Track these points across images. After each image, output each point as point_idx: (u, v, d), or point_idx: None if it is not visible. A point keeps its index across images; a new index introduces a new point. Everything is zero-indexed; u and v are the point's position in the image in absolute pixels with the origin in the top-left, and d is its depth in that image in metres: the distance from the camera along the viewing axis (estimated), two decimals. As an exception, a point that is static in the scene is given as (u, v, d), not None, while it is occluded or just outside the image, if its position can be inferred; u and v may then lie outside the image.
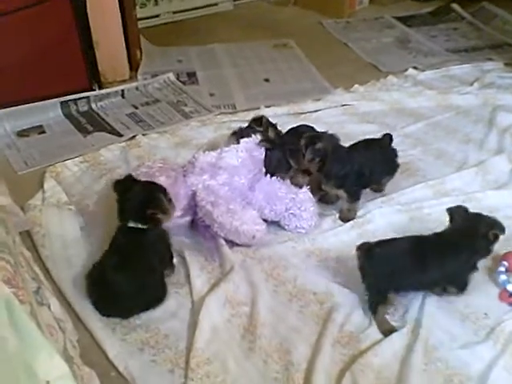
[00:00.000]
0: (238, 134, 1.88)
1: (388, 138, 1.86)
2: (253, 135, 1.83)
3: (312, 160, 1.73)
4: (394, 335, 1.40)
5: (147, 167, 1.74)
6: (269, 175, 1.78)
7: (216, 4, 3.60)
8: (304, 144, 1.72)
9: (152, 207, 1.45)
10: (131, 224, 1.45)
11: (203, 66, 2.89)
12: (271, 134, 1.88)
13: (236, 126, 2.28)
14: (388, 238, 1.53)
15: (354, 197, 1.79)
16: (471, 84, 2.66)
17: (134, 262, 1.44)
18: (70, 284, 1.54)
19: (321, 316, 1.47)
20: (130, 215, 1.45)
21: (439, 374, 1.33)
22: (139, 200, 1.46)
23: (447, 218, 1.50)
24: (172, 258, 1.58)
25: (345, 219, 1.80)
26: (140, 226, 1.44)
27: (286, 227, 1.77)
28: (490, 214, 1.80)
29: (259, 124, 1.90)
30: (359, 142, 1.88)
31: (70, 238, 1.70)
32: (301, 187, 1.77)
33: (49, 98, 2.40)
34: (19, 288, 0.90)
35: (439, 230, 1.52)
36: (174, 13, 3.46)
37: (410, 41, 3.24)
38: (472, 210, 1.82)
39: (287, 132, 1.95)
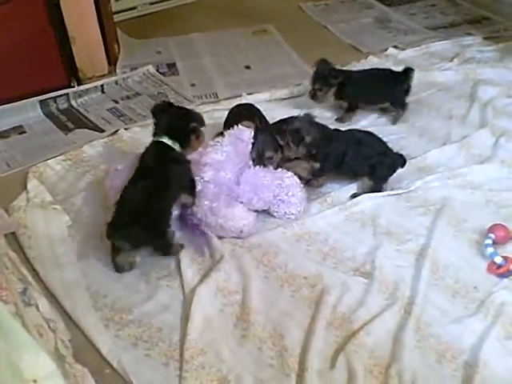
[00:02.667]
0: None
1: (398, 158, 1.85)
2: (235, 126, 1.81)
3: (307, 154, 1.77)
4: (386, 313, 1.41)
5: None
6: (253, 166, 1.77)
7: (192, -7, 3.56)
8: (292, 141, 1.75)
9: (194, 121, 1.58)
10: (164, 139, 1.55)
11: (183, 57, 2.86)
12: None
13: (219, 114, 2.28)
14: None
15: (322, 170, 1.83)
16: (451, 60, 2.67)
17: (153, 176, 1.51)
18: (59, 283, 1.52)
19: (312, 299, 1.47)
20: (166, 131, 1.56)
21: (432, 349, 1.34)
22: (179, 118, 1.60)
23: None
24: (194, 186, 1.61)
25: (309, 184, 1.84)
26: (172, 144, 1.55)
27: (276, 214, 1.76)
28: (476, 188, 1.84)
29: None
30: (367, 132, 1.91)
31: (57, 238, 1.68)
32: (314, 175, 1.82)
33: (27, 97, 2.36)
34: (3, 289, 0.89)
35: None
36: (151, 4, 3.42)
37: (389, 20, 3.22)
38: (458, 185, 1.86)
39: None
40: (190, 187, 1.61)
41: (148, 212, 1.48)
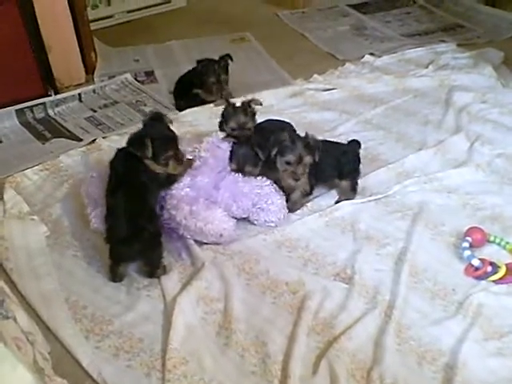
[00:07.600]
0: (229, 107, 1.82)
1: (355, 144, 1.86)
2: (214, 134, 1.81)
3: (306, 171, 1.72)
4: (367, 317, 1.42)
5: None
6: (233, 173, 1.76)
7: (169, 1, 3.57)
8: (294, 161, 1.68)
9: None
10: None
11: (161, 64, 2.86)
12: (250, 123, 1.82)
13: (198, 122, 2.29)
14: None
15: (310, 190, 1.81)
16: (426, 66, 2.72)
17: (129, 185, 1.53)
18: (37, 295, 1.50)
19: (294, 306, 1.47)
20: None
21: (412, 352, 1.36)
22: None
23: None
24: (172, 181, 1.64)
25: (292, 210, 1.80)
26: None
27: (256, 222, 1.76)
28: (452, 192, 1.88)
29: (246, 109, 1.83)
30: (326, 140, 1.88)
31: (35, 249, 1.66)
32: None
33: (3, 107, 2.33)
34: (-21, 302, 0.87)
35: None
36: (128, 12, 3.42)
37: (365, 28, 3.28)
38: (434, 189, 1.88)
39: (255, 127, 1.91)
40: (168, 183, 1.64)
41: (142, 217, 1.50)
